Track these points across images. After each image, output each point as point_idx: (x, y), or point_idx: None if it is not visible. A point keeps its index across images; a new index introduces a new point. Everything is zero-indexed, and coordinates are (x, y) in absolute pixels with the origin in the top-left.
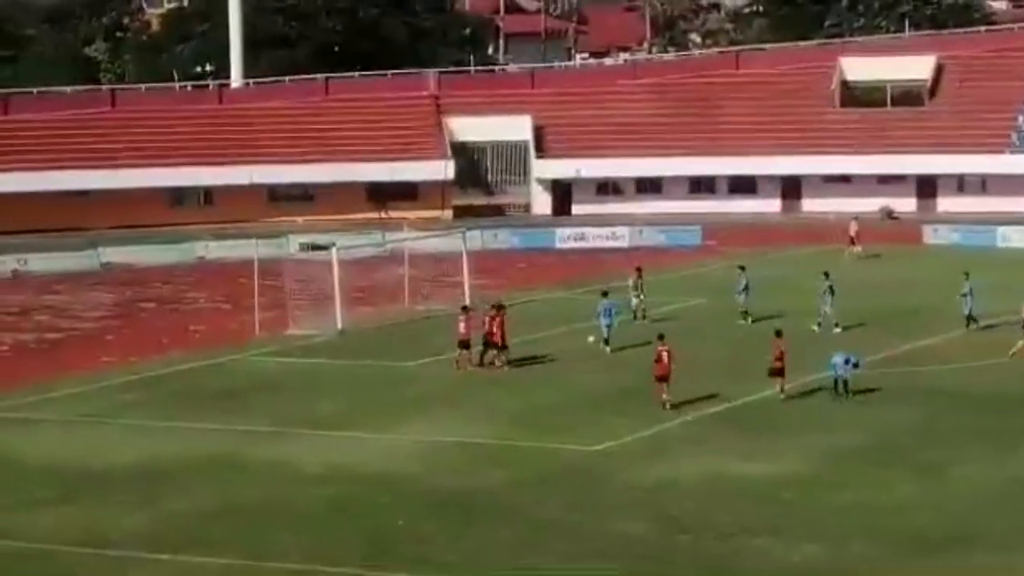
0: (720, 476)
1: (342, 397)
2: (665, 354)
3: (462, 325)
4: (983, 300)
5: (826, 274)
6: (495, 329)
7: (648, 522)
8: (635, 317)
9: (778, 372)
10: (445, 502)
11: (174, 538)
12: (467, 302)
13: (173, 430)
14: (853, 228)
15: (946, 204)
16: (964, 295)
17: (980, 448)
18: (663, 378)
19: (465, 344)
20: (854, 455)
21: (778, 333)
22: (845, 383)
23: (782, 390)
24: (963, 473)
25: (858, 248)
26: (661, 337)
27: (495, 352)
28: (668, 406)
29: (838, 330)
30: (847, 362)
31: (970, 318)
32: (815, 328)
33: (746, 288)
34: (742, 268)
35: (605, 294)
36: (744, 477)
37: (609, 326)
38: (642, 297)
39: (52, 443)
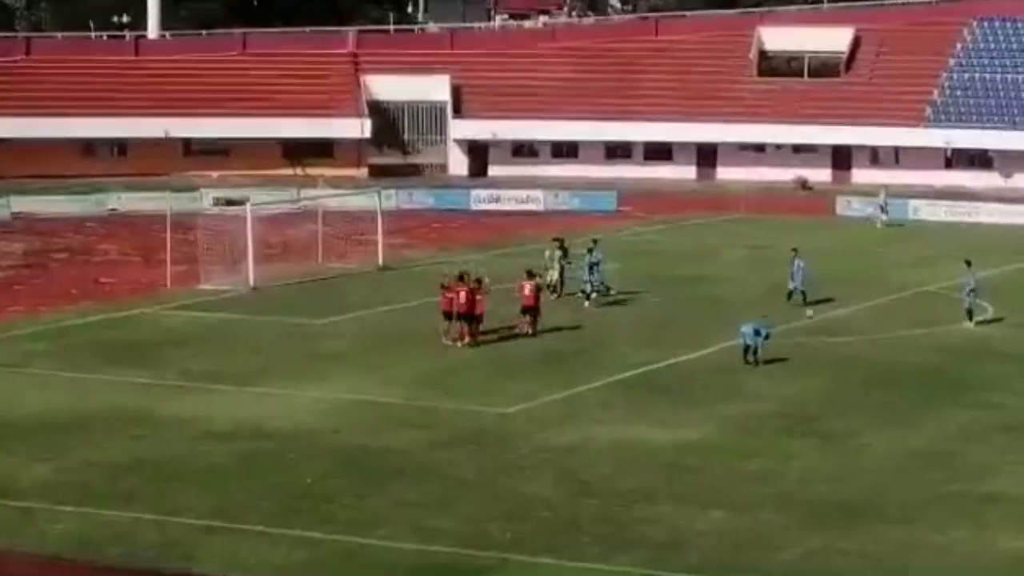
0: (629, 442)
1: (253, 353)
2: (463, 293)
3: (462, 295)
4: (895, 271)
5: (595, 241)
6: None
7: (556, 485)
8: (552, 292)
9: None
10: (354, 461)
11: (80, 490)
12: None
13: (81, 382)
14: (882, 197)
15: (860, 176)
16: (793, 271)
17: (884, 419)
18: (460, 316)
19: (448, 316)
20: (762, 424)
21: (529, 274)
22: (755, 351)
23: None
24: (867, 444)
25: (884, 217)
26: (461, 278)
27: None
28: (460, 343)
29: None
30: (757, 333)
31: (795, 293)
32: (586, 303)
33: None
34: (594, 242)
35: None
36: (653, 443)
37: None
38: (559, 269)
39: None
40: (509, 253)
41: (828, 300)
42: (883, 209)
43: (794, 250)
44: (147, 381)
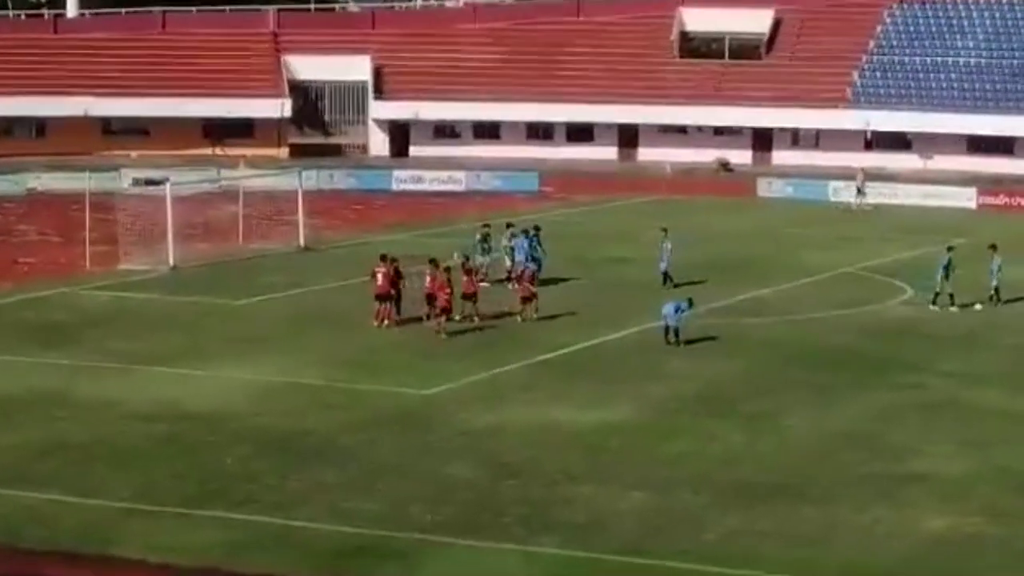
0: (551, 423)
1: (173, 334)
2: (380, 274)
3: (379, 276)
4: (816, 252)
5: (508, 225)
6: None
7: (477, 467)
8: (483, 279)
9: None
10: (275, 443)
11: None
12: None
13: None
14: (859, 179)
15: (781, 157)
16: (663, 252)
17: (806, 399)
18: (379, 297)
19: (382, 297)
20: (684, 404)
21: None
22: (676, 332)
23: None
24: (789, 424)
25: (861, 200)
26: (383, 257)
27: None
28: (384, 325)
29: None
30: (677, 309)
31: (666, 276)
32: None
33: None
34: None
35: None
36: (574, 424)
37: None
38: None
39: None
40: (432, 234)
41: (701, 282)
42: (860, 191)
43: (664, 230)
44: (67, 362)
